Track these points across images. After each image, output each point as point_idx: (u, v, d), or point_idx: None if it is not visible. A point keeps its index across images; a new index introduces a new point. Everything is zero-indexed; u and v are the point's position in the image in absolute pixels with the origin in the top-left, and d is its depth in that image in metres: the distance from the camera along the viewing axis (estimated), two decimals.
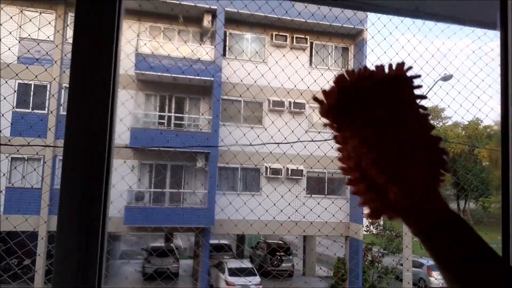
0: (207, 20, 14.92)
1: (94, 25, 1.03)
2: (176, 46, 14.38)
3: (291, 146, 12.07)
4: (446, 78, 11.07)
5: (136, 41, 14.13)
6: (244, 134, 13.05)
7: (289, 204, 12.18)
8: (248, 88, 12.99)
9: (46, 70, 10.80)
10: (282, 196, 12.57)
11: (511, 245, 1.08)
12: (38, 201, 11.72)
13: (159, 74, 13.45)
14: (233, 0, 12.31)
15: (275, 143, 11.99)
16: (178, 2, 12.60)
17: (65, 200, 0.96)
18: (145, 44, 14.23)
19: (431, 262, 17.71)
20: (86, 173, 0.99)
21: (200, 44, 15.20)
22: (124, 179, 12.40)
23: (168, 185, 15.13)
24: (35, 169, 13.23)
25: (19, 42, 11.76)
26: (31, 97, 13.26)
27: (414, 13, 2.32)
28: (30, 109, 13.19)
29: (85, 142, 1.00)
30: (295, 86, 14.24)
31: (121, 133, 11.93)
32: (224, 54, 15.54)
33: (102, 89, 1.03)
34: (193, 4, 13.78)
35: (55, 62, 12.03)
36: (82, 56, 1.03)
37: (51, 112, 12.98)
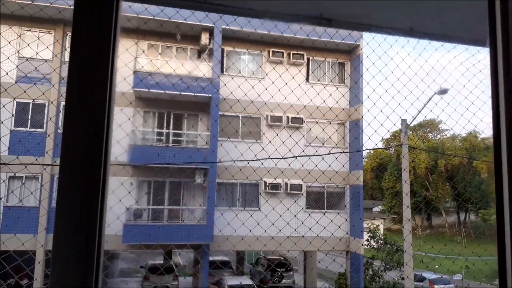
0: (204, 38, 15.10)
1: (90, 44, 1.05)
2: (174, 64, 14.52)
3: (291, 162, 12.09)
4: (442, 92, 11.20)
5: (135, 59, 14.27)
6: (242, 154, 13.08)
7: (287, 223, 12.13)
8: (245, 108, 13.08)
9: (43, 93, 10.88)
10: (280, 216, 12.52)
11: (507, 264, 1.08)
12: (35, 220, 11.64)
13: (157, 91, 13.54)
14: (229, 22, 12.51)
15: (275, 159, 11.99)
16: (176, 21, 12.76)
17: (62, 216, 0.97)
18: (143, 64, 14.35)
19: (433, 276, 17.53)
20: (83, 189, 0.99)
21: (198, 63, 15.35)
22: (120, 197, 12.34)
23: (167, 202, 15.05)
24: (32, 193, 13.17)
25: (17, 66, 11.85)
26: (29, 116, 13.30)
27: (408, 32, 2.37)
28: (28, 127, 13.20)
29: (81, 159, 1.01)
30: (291, 105, 14.36)
31: (120, 150, 11.94)
32: (221, 71, 15.68)
33: (98, 105, 1.04)
34: (190, 22, 13.95)
35: (53, 85, 12.11)
36: (78, 73, 1.04)
37: (48, 135, 13.00)
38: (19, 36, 11.96)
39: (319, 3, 2.19)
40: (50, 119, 13.18)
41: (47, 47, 12.38)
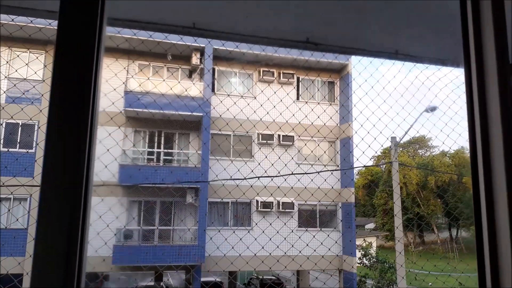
0: (195, 58, 15.24)
1: (73, 64, 1.05)
2: (165, 84, 14.59)
3: (283, 180, 12.08)
4: (431, 109, 11.39)
5: (126, 78, 14.30)
6: (234, 174, 13.07)
7: (277, 245, 12.05)
8: (236, 127, 13.12)
9: (38, 115, 10.83)
10: (270, 239, 12.43)
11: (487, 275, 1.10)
12: (24, 241, 11.40)
13: (148, 110, 13.54)
14: (220, 44, 12.65)
15: (266, 177, 11.99)
16: (166, 41, 12.89)
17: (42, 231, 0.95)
18: (134, 85, 14.39)
19: None
20: (64, 210, 0.98)
21: (189, 82, 15.44)
22: (110, 217, 12.17)
23: (158, 222, 14.87)
24: (30, 213, 12.95)
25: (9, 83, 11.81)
26: (19, 136, 13.18)
27: (394, 55, 2.43)
28: (17, 148, 13.07)
29: (62, 179, 1.00)
30: (283, 123, 14.45)
31: (110, 170, 11.85)
32: (213, 90, 15.78)
33: (80, 125, 1.04)
34: (181, 43, 14.10)
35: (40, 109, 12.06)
36: (61, 91, 1.04)
37: (37, 144, 12.87)
38: (7, 62, 11.95)
39: (306, 28, 2.24)
40: (38, 144, 13.06)
41: (37, 70, 12.38)
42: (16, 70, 12.03)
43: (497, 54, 1.07)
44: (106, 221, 11.34)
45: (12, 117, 11.07)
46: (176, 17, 2.16)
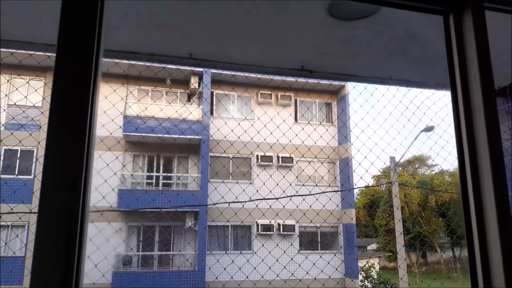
0: (194, 82, 15.39)
1: (70, 91, 1.08)
2: (164, 107, 14.68)
3: (284, 203, 12.01)
4: (428, 129, 11.47)
5: (124, 103, 14.40)
6: (237, 196, 13.00)
7: (284, 264, 11.88)
8: (237, 150, 13.15)
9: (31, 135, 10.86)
10: (276, 257, 12.28)
11: None
12: (21, 270, 11.22)
13: (146, 135, 13.58)
14: (220, 70, 12.82)
15: (267, 199, 11.92)
16: (165, 66, 13.04)
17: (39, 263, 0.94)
18: (133, 109, 14.49)
19: None
20: (61, 235, 0.98)
21: (188, 106, 15.55)
22: (109, 243, 12.03)
23: (157, 248, 14.68)
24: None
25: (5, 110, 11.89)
26: (17, 163, 13.16)
27: (387, 81, 2.47)
28: (16, 174, 13.03)
29: (59, 204, 1.00)
30: (283, 146, 14.48)
31: (109, 195, 11.77)
32: (211, 113, 15.87)
33: (77, 150, 1.05)
34: (180, 67, 14.27)
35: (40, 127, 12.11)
36: (58, 116, 1.06)
37: (35, 176, 12.83)
38: (9, 80, 12.07)
39: (300, 56, 2.28)
40: (38, 159, 13.03)
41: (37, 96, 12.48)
42: (14, 101, 12.12)
43: (481, 78, 1.11)
44: (105, 247, 11.20)
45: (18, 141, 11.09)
46: (173, 48, 2.20)
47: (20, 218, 11.80)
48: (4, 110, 11.91)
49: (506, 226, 1.02)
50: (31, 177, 13.05)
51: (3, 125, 11.85)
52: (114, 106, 12.95)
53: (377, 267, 23.33)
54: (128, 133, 14.02)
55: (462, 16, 1.15)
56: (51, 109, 1.06)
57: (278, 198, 11.60)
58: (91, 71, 1.12)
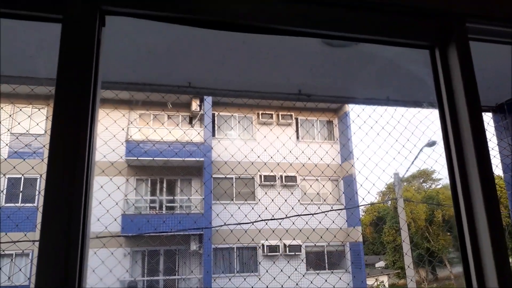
0: (195, 105, 15.52)
1: (69, 119, 1.10)
2: (166, 131, 14.76)
3: (289, 223, 11.89)
4: (431, 144, 11.44)
5: (127, 128, 14.49)
6: (242, 218, 12.91)
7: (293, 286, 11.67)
8: (238, 170, 13.13)
9: (33, 167, 10.89)
10: (284, 279, 12.10)
11: None
12: None
13: (150, 158, 13.60)
14: (220, 97, 12.95)
15: (271, 220, 11.82)
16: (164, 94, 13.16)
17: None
18: (134, 133, 14.57)
19: None
20: (61, 265, 0.98)
21: (189, 128, 15.63)
22: (113, 268, 11.90)
23: (162, 272, 14.50)
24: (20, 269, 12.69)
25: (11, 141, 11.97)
26: (21, 191, 13.17)
27: (385, 101, 2.49)
28: (20, 203, 13.03)
29: (59, 234, 1.01)
30: (287, 165, 14.46)
31: (112, 220, 11.71)
32: (213, 135, 15.93)
33: (76, 178, 1.06)
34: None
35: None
36: (59, 143, 1.07)
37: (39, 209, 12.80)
38: (12, 115, 12.20)
39: (297, 81, 2.31)
40: (39, 192, 13.04)
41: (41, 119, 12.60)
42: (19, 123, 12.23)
43: (467, 98, 1.13)
44: (110, 274, 11.07)
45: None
46: (171, 78, 2.23)
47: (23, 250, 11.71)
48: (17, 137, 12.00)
49: (499, 240, 1.03)
50: (34, 204, 13.05)
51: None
52: (122, 129, 13.03)
53: (387, 285, 22.90)
54: (130, 157, 14.05)
55: (448, 50, 1.18)
56: (51, 139, 1.09)
57: (283, 218, 11.50)
58: (89, 100, 1.14)
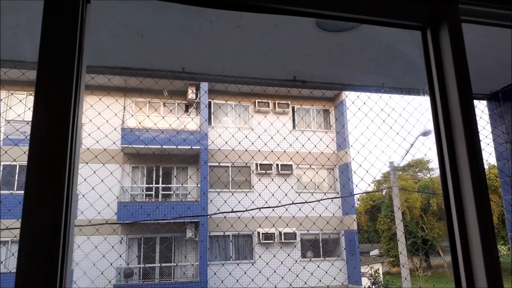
0: (191, 93, 15.43)
1: (52, 104, 1.06)
2: (162, 119, 14.69)
3: (284, 210, 11.97)
4: (426, 133, 11.46)
5: (122, 115, 14.41)
6: (239, 202, 12.96)
7: (286, 271, 11.80)
8: (234, 159, 13.13)
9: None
10: (279, 265, 12.21)
11: None
12: None
13: (145, 146, 13.56)
14: (214, 83, 12.86)
15: (266, 207, 11.88)
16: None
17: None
18: (130, 121, 14.49)
19: None
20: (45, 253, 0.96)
21: (186, 116, 15.57)
22: (109, 256, 11.95)
23: (158, 259, 14.59)
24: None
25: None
26: (16, 177, 13.13)
27: (380, 88, 2.47)
28: (15, 189, 12.99)
29: (43, 220, 0.99)
30: (282, 153, 14.48)
31: (107, 208, 11.72)
32: (209, 123, 15.88)
33: (59, 163, 1.03)
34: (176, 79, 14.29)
35: None
36: (40, 128, 1.04)
37: None
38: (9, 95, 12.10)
39: (292, 67, 2.29)
40: None
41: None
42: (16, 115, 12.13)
43: (457, 81, 1.12)
44: (105, 260, 11.12)
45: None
46: (165, 63, 2.21)
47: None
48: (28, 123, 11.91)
49: (487, 231, 1.03)
50: None
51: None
52: (116, 116, 12.96)
53: (381, 273, 23.18)
54: (126, 145, 13.99)
55: (440, 31, 1.17)
56: (33, 123, 1.04)
57: (277, 206, 11.56)
58: (73, 77, 1.08)
